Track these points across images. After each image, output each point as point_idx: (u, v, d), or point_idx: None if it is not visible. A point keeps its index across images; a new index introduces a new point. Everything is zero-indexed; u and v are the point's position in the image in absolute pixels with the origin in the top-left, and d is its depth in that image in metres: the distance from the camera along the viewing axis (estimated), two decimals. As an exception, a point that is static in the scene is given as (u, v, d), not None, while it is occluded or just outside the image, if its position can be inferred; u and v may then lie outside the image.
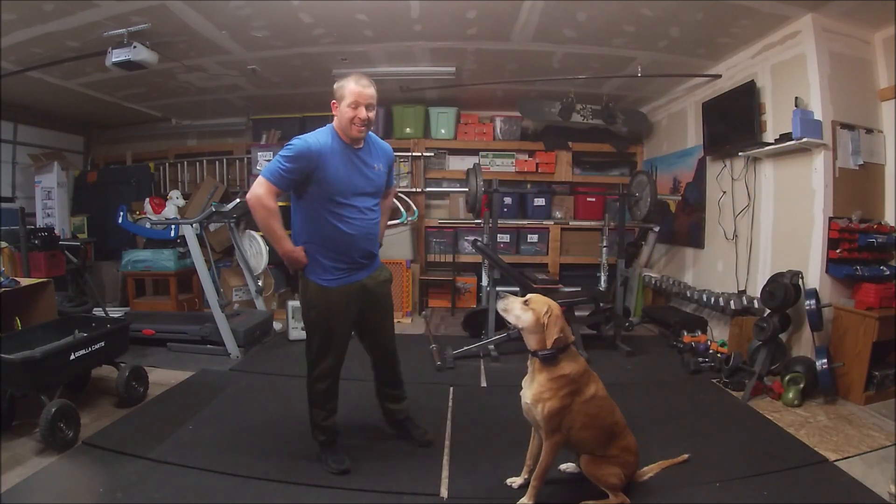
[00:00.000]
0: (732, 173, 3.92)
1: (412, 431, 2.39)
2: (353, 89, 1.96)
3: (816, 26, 3.13)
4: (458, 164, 5.79)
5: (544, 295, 1.95)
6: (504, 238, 5.36)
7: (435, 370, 3.42)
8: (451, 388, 3.09)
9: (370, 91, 1.98)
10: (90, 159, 6.40)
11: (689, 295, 4.27)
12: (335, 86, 2.02)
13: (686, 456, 2.20)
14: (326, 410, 2.15)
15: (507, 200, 5.40)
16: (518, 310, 1.84)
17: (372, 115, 2.00)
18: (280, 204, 2.01)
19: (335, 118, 2.04)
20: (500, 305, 1.89)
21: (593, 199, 5.50)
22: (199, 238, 3.91)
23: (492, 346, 3.71)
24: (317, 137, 1.99)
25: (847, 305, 3.02)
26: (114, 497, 1.91)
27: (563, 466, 2.11)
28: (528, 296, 1.89)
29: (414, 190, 5.61)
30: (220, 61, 4.17)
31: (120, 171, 6.15)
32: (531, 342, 1.85)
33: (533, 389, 1.83)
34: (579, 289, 4.44)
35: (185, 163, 6.04)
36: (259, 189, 1.94)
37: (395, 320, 4.87)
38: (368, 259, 2.15)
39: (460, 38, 3.78)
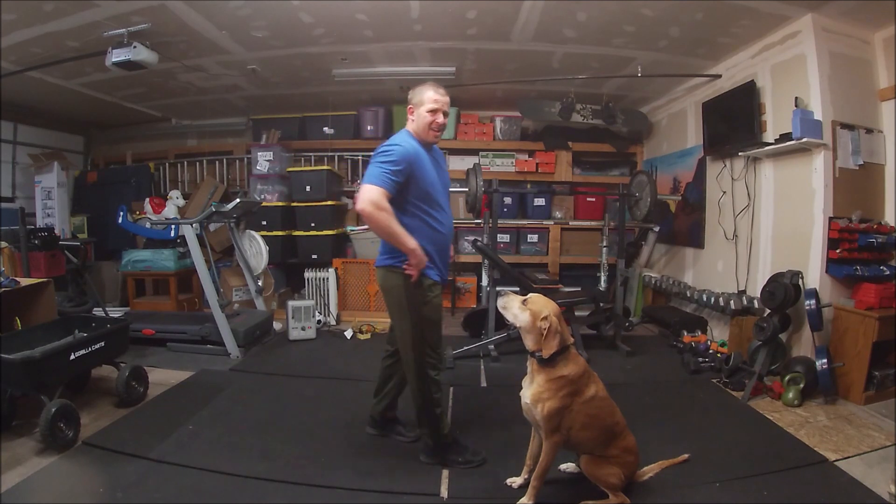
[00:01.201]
0: (732, 173, 3.93)
1: (400, 429, 2.42)
2: (433, 96, 2.07)
3: (816, 26, 3.14)
4: (458, 163, 5.78)
5: (544, 295, 1.95)
6: (504, 238, 5.36)
7: (435, 370, 3.42)
8: (451, 388, 3.08)
9: (447, 99, 2.12)
10: (90, 159, 6.41)
11: (689, 295, 4.27)
12: (412, 92, 2.13)
13: (686, 456, 2.20)
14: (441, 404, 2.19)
15: (507, 200, 5.40)
16: (516, 308, 1.85)
17: (446, 121, 2.12)
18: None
19: (410, 122, 2.13)
20: (500, 303, 1.90)
21: (593, 199, 5.50)
22: (199, 238, 3.91)
23: (492, 346, 3.71)
24: (405, 140, 2.06)
25: (847, 305, 3.01)
26: (114, 497, 1.91)
27: (562, 466, 2.11)
28: (529, 295, 1.89)
29: (414, 190, 5.60)
30: (220, 61, 4.17)
31: (120, 171, 6.16)
32: (528, 341, 1.85)
33: (532, 390, 1.83)
34: (579, 289, 4.44)
35: (185, 163, 6.05)
36: (372, 195, 1.89)
37: (396, 320, 4.88)
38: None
39: (460, 38, 3.78)
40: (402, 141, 2.04)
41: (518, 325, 1.84)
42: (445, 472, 2.12)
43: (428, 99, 2.07)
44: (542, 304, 1.83)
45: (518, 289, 3.76)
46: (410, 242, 1.95)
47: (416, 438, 2.37)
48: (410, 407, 2.47)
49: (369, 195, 1.89)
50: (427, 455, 2.20)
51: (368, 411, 2.47)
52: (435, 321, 2.13)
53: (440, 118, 2.08)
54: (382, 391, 2.41)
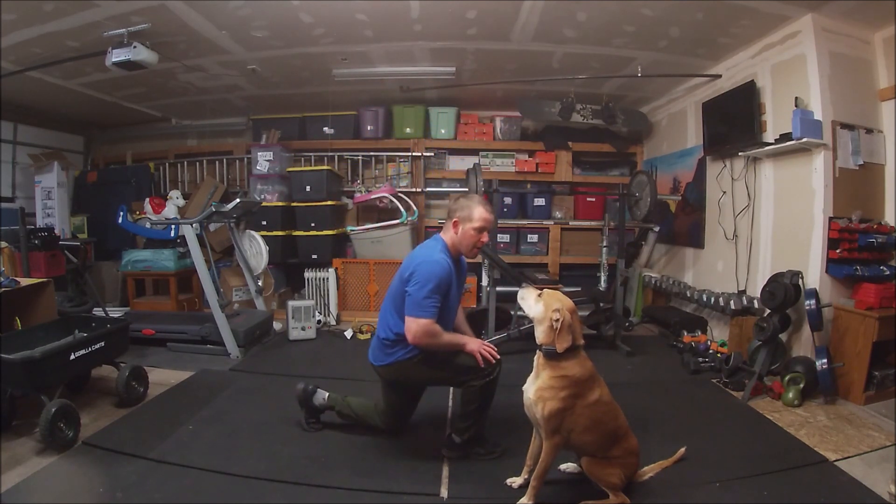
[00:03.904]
0: (732, 173, 3.92)
1: (487, 446, 2.30)
2: (484, 216, 2.10)
3: (816, 26, 3.14)
4: (458, 164, 5.79)
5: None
6: (504, 238, 5.35)
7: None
8: (451, 389, 3.08)
9: (493, 217, 2.16)
10: (90, 159, 6.41)
11: (689, 295, 4.27)
12: (459, 204, 2.13)
13: (682, 451, 2.20)
14: None
15: (507, 200, 5.40)
16: (532, 300, 1.90)
17: None
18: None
19: (451, 234, 2.14)
20: (520, 294, 1.96)
21: (593, 199, 5.50)
22: (199, 238, 3.91)
23: (492, 346, 3.70)
24: (443, 260, 2.07)
25: (847, 305, 3.02)
26: (114, 497, 1.91)
27: (563, 466, 2.11)
28: (545, 290, 1.93)
29: (414, 190, 5.61)
30: (220, 61, 4.17)
31: (120, 171, 6.16)
32: (538, 333, 1.87)
33: (536, 385, 1.84)
34: (579, 289, 4.44)
35: (185, 163, 6.04)
36: (425, 328, 1.98)
37: (395, 320, 4.88)
38: None
39: (460, 38, 3.78)
40: (441, 261, 2.05)
41: (531, 316, 1.90)
42: (445, 473, 2.12)
43: (478, 216, 2.08)
44: (556, 299, 1.87)
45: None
46: (472, 343, 2.07)
47: (500, 454, 2.24)
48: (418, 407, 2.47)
49: (423, 329, 1.97)
50: (450, 449, 2.22)
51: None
52: (453, 357, 2.13)
53: (485, 237, 2.12)
54: None
